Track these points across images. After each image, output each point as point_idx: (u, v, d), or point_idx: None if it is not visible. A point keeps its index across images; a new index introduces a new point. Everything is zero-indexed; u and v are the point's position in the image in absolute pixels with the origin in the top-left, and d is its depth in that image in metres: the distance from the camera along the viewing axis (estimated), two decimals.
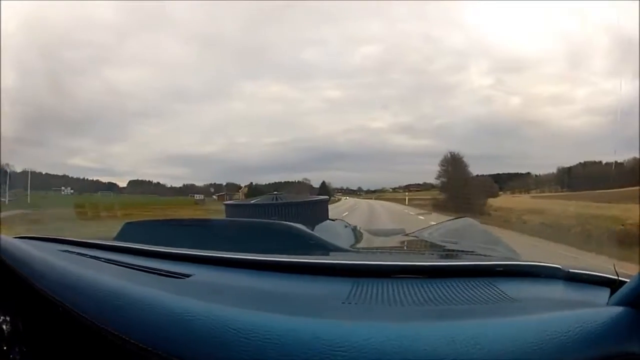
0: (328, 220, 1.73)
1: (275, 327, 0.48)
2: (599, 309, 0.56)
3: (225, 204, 2.03)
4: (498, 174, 29.91)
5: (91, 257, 0.83)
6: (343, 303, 0.60)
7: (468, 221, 2.35)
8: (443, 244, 1.50)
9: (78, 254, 0.85)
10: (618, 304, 0.54)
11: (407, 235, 1.80)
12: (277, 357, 0.44)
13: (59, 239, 1.04)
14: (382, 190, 39.56)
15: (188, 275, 0.70)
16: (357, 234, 1.64)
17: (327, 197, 2.26)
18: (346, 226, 1.75)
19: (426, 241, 1.59)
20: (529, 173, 27.08)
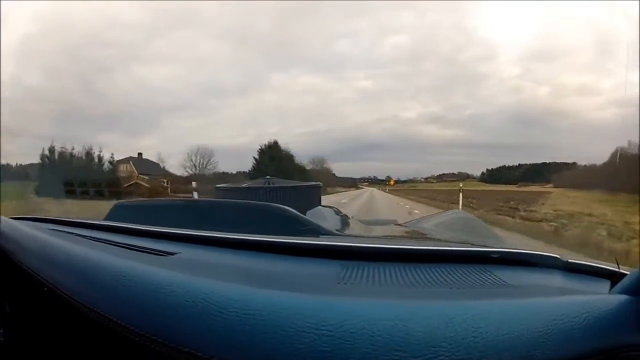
0: (320, 206, 1.72)
1: (265, 301, 0.45)
2: (603, 296, 0.54)
3: (217, 187, 2.02)
4: (545, 163, 28.81)
5: (79, 235, 0.83)
6: (337, 283, 0.59)
7: (461, 213, 2.23)
8: (437, 234, 1.49)
9: (67, 232, 0.85)
10: (620, 293, 0.51)
11: (399, 225, 1.77)
12: (265, 331, 0.42)
13: (48, 218, 1.05)
14: (413, 181, 39.55)
15: (173, 253, 0.69)
16: (347, 221, 1.62)
17: (319, 183, 2.25)
18: (337, 213, 1.73)
19: (418, 230, 1.57)
20: (575, 163, 25.45)
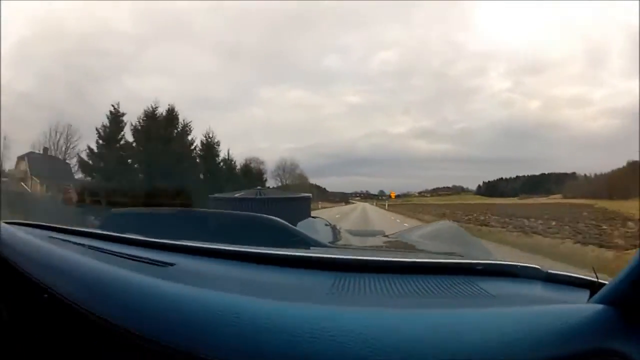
0: (310, 218, 1.73)
1: (262, 309, 0.48)
2: (581, 305, 0.56)
3: (211, 197, 2.08)
4: (544, 174, 28.10)
5: (76, 243, 0.84)
6: (327, 293, 0.60)
7: (448, 224, 2.25)
8: (424, 246, 1.49)
9: (63, 240, 0.86)
10: (598, 302, 0.52)
11: (386, 236, 1.81)
12: (263, 339, 0.44)
13: (44, 225, 1.03)
14: (407, 195, 38.59)
15: (171, 264, 0.71)
16: (337, 233, 1.61)
17: (309, 194, 2.29)
18: (327, 225, 1.70)
19: (405, 242, 1.58)
20: (574, 173, 24.85)
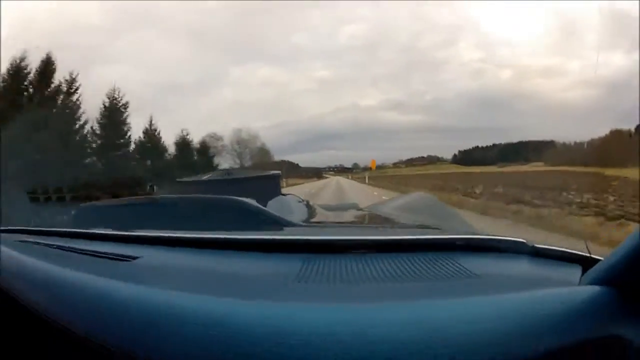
0: (280, 196, 1.64)
1: (223, 311, 0.45)
2: (574, 287, 0.52)
3: (178, 181, 1.94)
4: (522, 142, 27.92)
5: (45, 244, 0.84)
6: (297, 281, 0.57)
7: (423, 195, 2.22)
8: (398, 218, 1.42)
9: (33, 242, 0.87)
10: (593, 282, 0.50)
11: (360, 209, 1.76)
12: (224, 344, 0.42)
13: (15, 229, 1.03)
14: (382, 167, 37.86)
15: (135, 258, 0.69)
16: (309, 209, 1.58)
17: (278, 171, 2.03)
18: (299, 201, 1.67)
19: (381, 215, 1.50)
20: (553, 141, 24.66)
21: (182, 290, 0.51)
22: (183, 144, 19.03)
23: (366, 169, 36.99)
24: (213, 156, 20.46)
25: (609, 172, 14.86)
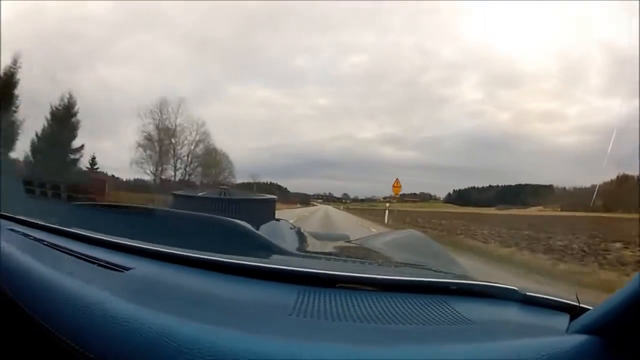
0: (273, 220, 1.61)
1: (215, 342, 0.45)
2: (561, 337, 0.53)
3: (173, 194, 1.89)
4: (520, 185, 27.33)
5: (35, 239, 0.85)
6: (289, 315, 0.56)
7: (415, 233, 2.17)
8: (390, 254, 1.39)
9: (23, 234, 0.86)
10: (580, 331, 0.52)
11: (351, 242, 1.73)
12: None
13: (6, 215, 1.03)
14: (372, 200, 36.86)
15: (128, 269, 0.69)
16: (301, 237, 1.56)
17: (274, 196, 1.98)
18: (291, 227, 1.66)
19: (372, 250, 1.47)
20: (551, 185, 23.99)
21: (172, 313, 0.50)
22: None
23: (356, 200, 35.66)
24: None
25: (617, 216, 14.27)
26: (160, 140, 19.55)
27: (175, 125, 20.05)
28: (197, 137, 20.58)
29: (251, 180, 23.94)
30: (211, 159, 21.08)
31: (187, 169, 20.38)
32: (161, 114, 19.97)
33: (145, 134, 19.47)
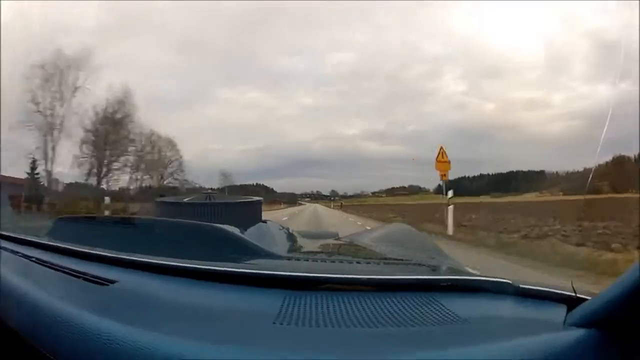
0: (261, 223, 1.58)
1: (198, 356, 0.45)
2: (559, 332, 0.52)
3: (157, 201, 1.87)
4: (512, 172, 27.61)
5: (22, 255, 0.84)
6: (274, 323, 0.54)
7: (403, 226, 2.15)
8: (379, 250, 1.39)
9: (11, 251, 0.86)
10: (578, 324, 0.51)
11: (340, 239, 1.71)
12: None
13: None
14: (362, 195, 36.38)
15: (112, 282, 0.68)
16: (289, 238, 1.51)
17: (260, 198, 1.94)
18: (279, 229, 1.59)
19: (361, 247, 1.48)
20: (543, 171, 24.26)
21: (152, 327, 0.50)
22: None
23: (345, 197, 35.03)
24: None
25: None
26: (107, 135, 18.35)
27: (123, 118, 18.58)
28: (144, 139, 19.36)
29: (222, 180, 23.45)
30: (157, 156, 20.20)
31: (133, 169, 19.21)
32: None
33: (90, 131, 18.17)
